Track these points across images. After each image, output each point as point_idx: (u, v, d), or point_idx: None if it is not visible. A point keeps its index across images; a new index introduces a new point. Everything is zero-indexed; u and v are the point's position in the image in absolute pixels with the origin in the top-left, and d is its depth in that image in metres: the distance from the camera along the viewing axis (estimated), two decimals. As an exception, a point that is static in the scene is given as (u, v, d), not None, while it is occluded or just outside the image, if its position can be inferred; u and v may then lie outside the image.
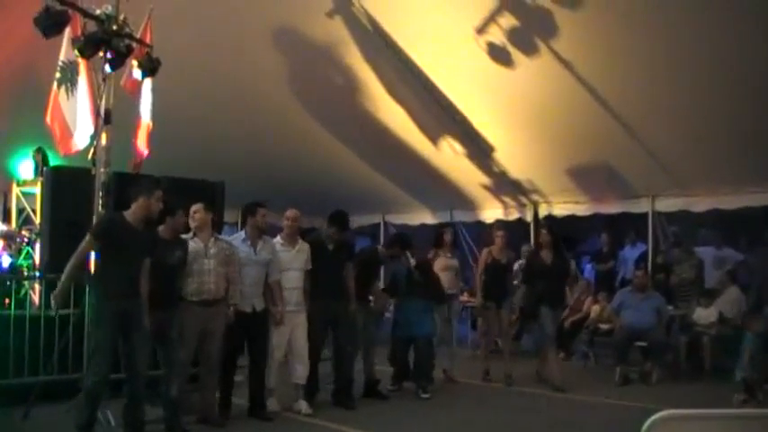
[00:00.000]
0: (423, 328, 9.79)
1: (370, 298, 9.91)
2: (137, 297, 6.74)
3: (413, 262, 10.06)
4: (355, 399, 9.07)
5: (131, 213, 6.80)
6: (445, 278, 10.65)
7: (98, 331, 6.67)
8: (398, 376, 10.08)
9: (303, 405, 8.47)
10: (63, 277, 6.59)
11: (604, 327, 12.23)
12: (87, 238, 6.67)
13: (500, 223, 12.84)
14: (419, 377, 9.81)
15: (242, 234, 8.35)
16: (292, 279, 8.46)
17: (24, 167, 12.72)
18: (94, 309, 6.80)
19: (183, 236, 7.67)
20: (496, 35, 10.61)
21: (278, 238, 8.60)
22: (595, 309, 12.74)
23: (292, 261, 8.51)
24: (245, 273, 8.05)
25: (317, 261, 8.68)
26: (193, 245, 7.64)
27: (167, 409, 7.25)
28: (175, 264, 7.32)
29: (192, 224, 7.74)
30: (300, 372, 8.47)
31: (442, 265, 10.81)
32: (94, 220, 7.75)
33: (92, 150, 8.21)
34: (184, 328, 7.43)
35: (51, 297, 6.64)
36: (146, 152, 9.49)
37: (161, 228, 7.35)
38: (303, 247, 8.67)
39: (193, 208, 7.75)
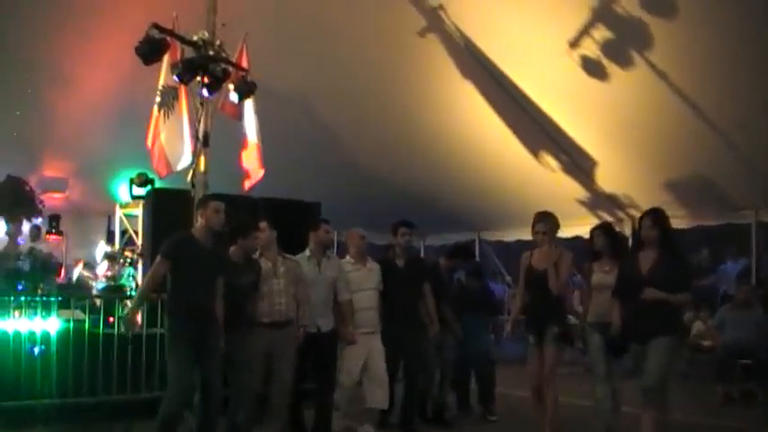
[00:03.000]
0: (480, 345, 9.35)
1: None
2: (211, 318, 6.60)
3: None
4: (419, 424, 8.62)
5: (197, 231, 6.69)
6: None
7: (172, 357, 6.49)
8: (462, 401, 9.59)
9: (370, 430, 8.04)
10: (135, 300, 6.54)
11: (705, 344, 11.86)
12: (158, 259, 6.57)
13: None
14: (485, 399, 9.40)
15: (306, 252, 7.95)
16: (366, 299, 8.05)
17: (126, 190, 13.12)
18: (168, 333, 6.60)
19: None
20: (590, 48, 10.48)
21: (347, 258, 8.26)
22: (696, 325, 12.38)
23: (364, 280, 8.10)
24: (311, 293, 7.70)
25: (386, 281, 8.25)
26: (261, 265, 7.35)
27: None
28: (246, 288, 7.09)
29: (258, 243, 7.38)
30: (380, 396, 8.00)
31: None
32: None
33: (191, 172, 8.39)
34: (252, 350, 7.16)
35: (122, 321, 6.57)
36: (261, 172, 9.61)
37: (232, 249, 7.16)
38: (374, 266, 8.28)
39: (259, 226, 7.46)
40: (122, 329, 6.74)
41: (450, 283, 9.53)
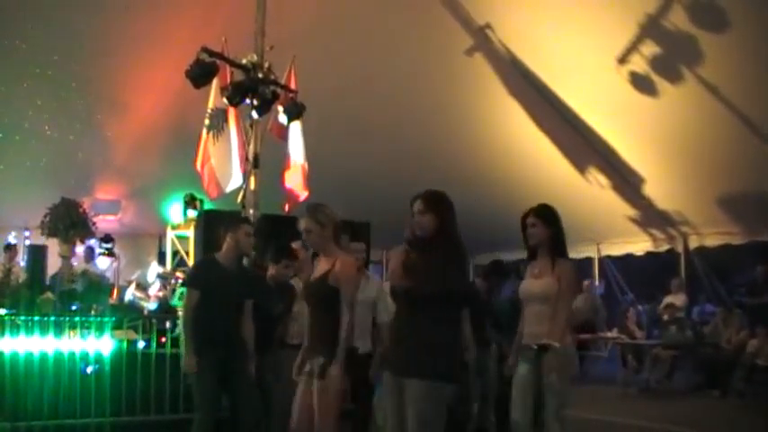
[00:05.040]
0: None
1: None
2: (236, 342, 6.43)
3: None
4: None
5: (223, 254, 6.53)
6: None
7: (197, 384, 6.35)
8: (500, 423, 8.72)
9: None
10: (185, 341, 6.37)
11: (762, 363, 11.61)
12: (187, 291, 6.51)
13: None
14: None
15: None
16: None
17: (176, 212, 13.27)
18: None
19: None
20: (639, 64, 10.43)
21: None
22: (752, 344, 12.12)
23: None
24: None
25: None
26: (295, 284, 7.16)
27: None
28: (279, 313, 6.91)
29: (291, 271, 7.20)
30: None
31: None
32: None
33: (241, 193, 8.46)
34: (284, 372, 6.75)
35: (184, 365, 6.39)
36: (305, 193, 9.64)
37: (269, 273, 7.04)
38: None
39: (293, 246, 7.28)
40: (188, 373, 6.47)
41: (490, 302, 9.27)
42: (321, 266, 5.38)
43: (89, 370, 8.20)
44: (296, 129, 9.57)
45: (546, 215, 5.90)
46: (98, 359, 8.24)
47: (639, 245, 15.07)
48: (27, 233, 13.42)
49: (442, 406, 4.62)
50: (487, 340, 8.50)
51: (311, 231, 5.28)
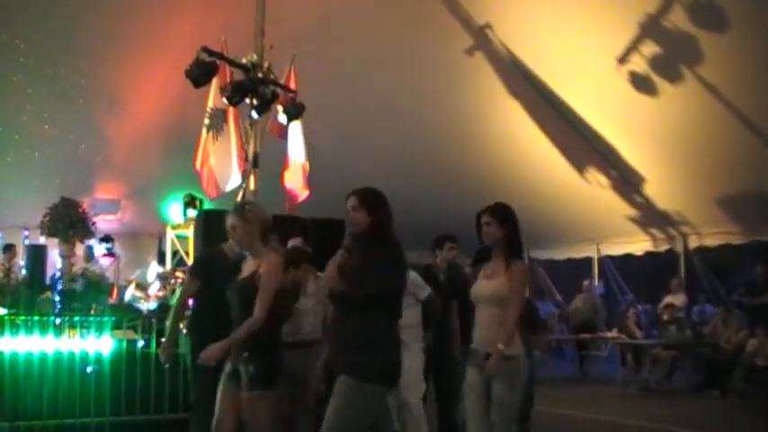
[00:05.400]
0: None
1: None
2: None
3: None
4: None
5: (229, 247, 5.97)
6: None
7: (196, 381, 6.16)
8: None
9: None
10: (167, 330, 6.18)
11: (762, 363, 11.61)
12: (187, 278, 6.34)
13: None
14: (520, 420, 8.80)
15: None
16: (408, 316, 7.22)
17: (176, 212, 13.26)
18: (190, 354, 6.17)
19: None
20: (639, 64, 10.43)
21: None
22: (752, 343, 12.13)
23: (405, 297, 7.70)
24: None
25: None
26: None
27: None
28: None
29: (308, 277, 6.98)
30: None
31: None
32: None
33: (241, 193, 8.45)
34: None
35: (159, 351, 6.19)
36: (305, 193, 9.62)
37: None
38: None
39: (291, 244, 7.19)
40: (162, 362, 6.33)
41: None
42: (248, 266, 5.19)
43: (89, 370, 8.21)
44: (296, 128, 9.56)
45: (501, 214, 5.64)
46: (98, 359, 8.25)
47: (639, 245, 15.08)
48: (26, 233, 13.45)
49: (361, 406, 4.47)
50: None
51: (237, 229, 5.11)
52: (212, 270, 6.08)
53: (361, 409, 4.47)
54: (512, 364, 5.10)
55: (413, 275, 7.65)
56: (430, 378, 7.89)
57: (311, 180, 9.86)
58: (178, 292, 11.68)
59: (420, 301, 7.53)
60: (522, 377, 5.24)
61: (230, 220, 5.13)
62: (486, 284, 5.44)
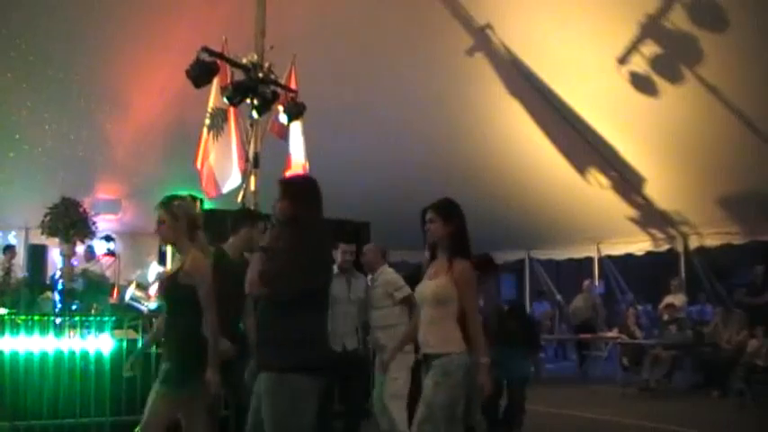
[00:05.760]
0: (518, 369, 8.28)
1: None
2: (235, 339, 6.00)
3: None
4: None
5: (230, 246, 6.20)
6: None
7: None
8: (491, 422, 8.52)
9: None
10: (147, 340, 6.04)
11: (762, 363, 11.60)
12: None
13: None
14: (511, 422, 8.48)
15: (334, 270, 7.42)
16: (387, 317, 7.59)
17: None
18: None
19: None
20: (639, 64, 10.43)
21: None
22: (752, 344, 12.12)
23: (382, 297, 7.66)
24: (336, 310, 7.23)
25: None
26: None
27: None
28: None
29: None
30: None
31: None
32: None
33: (241, 193, 8.46)
34: None
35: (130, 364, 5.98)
36: None
37: None
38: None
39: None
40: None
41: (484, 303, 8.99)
42: (175, 263, 5.11)
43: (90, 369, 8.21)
44: (296, 128, 9.56)
45: (445, 211, 5.33)
46: (98, 358, 8.25)
47: (639, 245, 15.08)
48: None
49: (296, 399, 4.36)
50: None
51: (164, 223, 4.94)
52: (214, 270, 5.76)
53: (296, 403, 4.36)
54: (444, 362, 4.90)
55: (391, 276, 7.75)
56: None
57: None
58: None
59: (398, 301, 7.54)
60: (456, 378, 4.93)
61: (158, 215, 4.96)
62: (428, 285, 5.19)
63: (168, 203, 4.99)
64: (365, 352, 7.91)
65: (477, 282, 8.42)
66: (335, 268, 7.60)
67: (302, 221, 4.59)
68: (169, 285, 5.01)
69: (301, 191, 4.77)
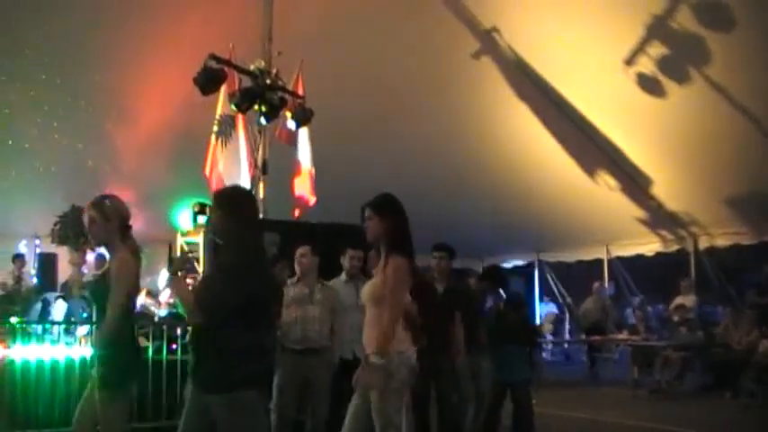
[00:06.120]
0: (520, 372, 8.05)
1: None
2: None
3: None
4: None
5: None
6: None
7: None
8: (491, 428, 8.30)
9: None
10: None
11: (771, 363, 11.56)
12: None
13: None
14: (520, 429, 8.19)
15: (342, 277, 7.67)
16: None
17: (186, 218, 13.27)
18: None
19: (289, 281, 7.26)
20: (646, 65, 10.42)
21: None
22: (764, 344, 12.06)
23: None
24: (346, 317, 7.31)
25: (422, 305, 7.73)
26: (297, 290, 7.12)
27: None
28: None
29: (298, 269, 7.15)
30: None
31: None
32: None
33: (249, 199, 8.45)
34: (285, 378, 6.93)
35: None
36: (313, 199, 9.63)
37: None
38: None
39: (300, 251, 7.18)
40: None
41: (483, 305, 8.79)
42: (106, 264, 4.95)
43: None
44: (303, 134, 9.58)
45: (383, 207, 5.11)
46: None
47: (649, 246, 15.05)
48: (37, 241, 13.48)
49: (250, 415, 4.26)
50: (479, 342, 8.20)
51: (95, 223, 4.79)
52: None
53: (244, 417, 4.25)
54: (384, 364, 4.77)
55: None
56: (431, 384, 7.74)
57: (317, 185, 9.88)
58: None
59: None
60: (399, 379, 4.85)
61: (89, 214, 4.82)
62: (367, 284, 5.14)
63: (100, 203, 4.84)
64: None
65: (486, 293, 8.48)
66: (343, 275, 7.67)
67: (229, 235, 4.41)
68: (96, 287, 4.91)
69: (226, 202, 4.56)
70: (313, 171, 9.72)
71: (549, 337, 17.73)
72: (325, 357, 7.13)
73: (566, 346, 18.44)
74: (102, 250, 12.34)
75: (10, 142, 12.02)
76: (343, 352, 7.35)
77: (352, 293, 7.51)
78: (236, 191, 4.80)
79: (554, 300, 17.87)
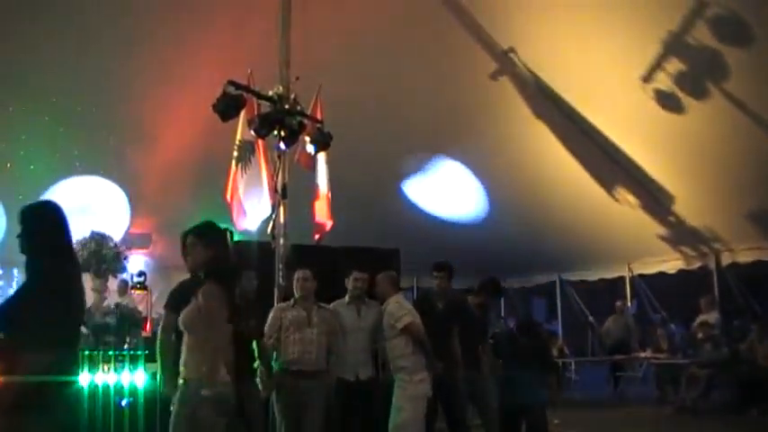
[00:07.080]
0: (535, 394, 7.80)
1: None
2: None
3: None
4: None
5: None
6: None
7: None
8: None
9: None
10: (161, 368, 5.95)
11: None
12: (164, 313, 6.10)
13: None
14: None
15: (345, 299, 7.71)
16: (393, 348, 7.55)
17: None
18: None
19: (283, 304, 7.37)
20: (663, 81, 10.41)
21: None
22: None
23: (388, 329, 7.59)
24: (347, 339, 7.41)
25: (423, 321, 7.58)
26: (295, 313, 7.16)
27: None
28: (251, 334, 6.45)
29: (299, 292, 7.21)
30: None
31: None
32: (275, 292, 7.85)
33: (271, 224, 8.48)
34: (282, 400, 7.01)
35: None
36: (329, 223, 9.66)
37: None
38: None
39: (302, 275, 7.25)
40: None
41: (485, 320, 8.78)
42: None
43: (123, 403, 8.26)
44: (321, 158, 9.60)
45: (206, 234, 5.29)
46: (132, 392, 8.29)
47: (671, 263, 14.96)
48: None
49: None
50: (478, 359, 8.21)
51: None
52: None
53: None
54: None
55: (392, 307, 7.63)
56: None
57: (339, 208, 9.91)
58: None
59: (398, 332, 7.46)
60: (187, 407, 5.15)
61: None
62: None
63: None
64: (384, 380, 7.74)
65: (486, 306, 8.53)
66: (346, 297, 7.74)
67: (32, 252, 4.18)
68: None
69: (30, 220, 4.27)
70: (329, 195, 9.74)
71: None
72: (321, 380, 7.17)
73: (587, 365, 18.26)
74: (125, 276, 12.44)
75: (32, 167, 12.12)
76: (344, 373, 7.40)
77: (353, 315, 7.63)
78: (38, 206, 4.47)
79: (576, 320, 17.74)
